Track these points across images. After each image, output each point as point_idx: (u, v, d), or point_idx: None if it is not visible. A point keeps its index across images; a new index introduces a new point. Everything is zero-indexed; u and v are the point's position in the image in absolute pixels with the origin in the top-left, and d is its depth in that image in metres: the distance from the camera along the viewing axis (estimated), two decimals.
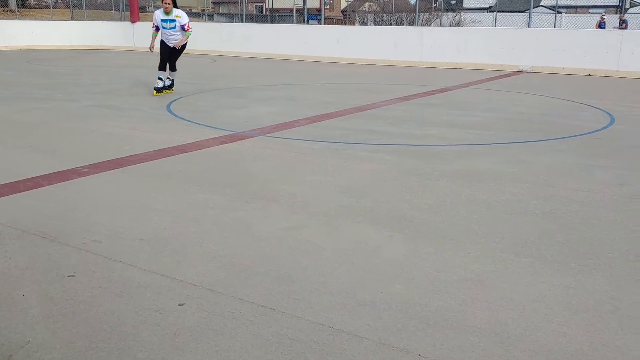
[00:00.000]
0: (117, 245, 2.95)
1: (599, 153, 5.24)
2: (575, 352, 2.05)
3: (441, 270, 2.70)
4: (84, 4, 25.30)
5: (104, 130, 6.04)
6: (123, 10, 23.85)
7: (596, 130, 6.40)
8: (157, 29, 8.61)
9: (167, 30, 8.55)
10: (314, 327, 2.18)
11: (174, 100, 8.28)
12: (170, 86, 9.09)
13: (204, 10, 41.47)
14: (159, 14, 8.52)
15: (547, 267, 2.75)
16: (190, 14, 42.11)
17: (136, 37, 21.49)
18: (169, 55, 8.77)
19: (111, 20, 24.26)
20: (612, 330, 2.19)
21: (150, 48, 8.83)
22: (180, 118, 6.80)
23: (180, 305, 2.34)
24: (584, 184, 4.19)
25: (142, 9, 30.85)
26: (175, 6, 8.54)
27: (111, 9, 26.59)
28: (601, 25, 22.34)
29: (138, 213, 3.45)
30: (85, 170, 4.39)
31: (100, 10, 29.70)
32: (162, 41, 8.68)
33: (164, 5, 8.37)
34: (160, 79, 8.84)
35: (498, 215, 3.49)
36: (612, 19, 29.32)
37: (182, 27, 8.55)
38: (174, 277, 2.58)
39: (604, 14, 25.05)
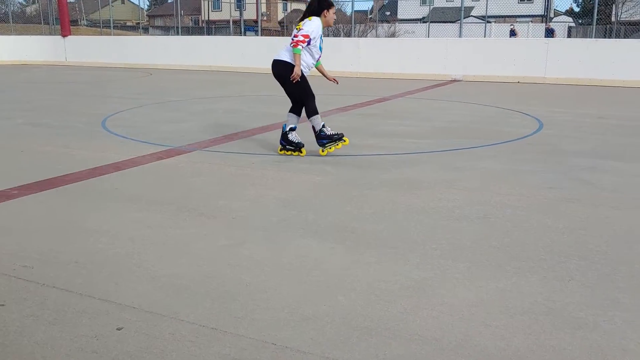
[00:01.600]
0: (50, 270, 2.83)
1: (529, 158, 5.45)
2: (513, 354, 2.11)
3: (382, 280, 2.73)
4: (10, 18, 24.36)
5: (35, 149, 5.82)
6: (53, 24, 23.12)
7: (526, 136, 6.66)
8: (308, 43, 5.37)
9: (319, 52, 5.67)
10: (257, 345, 2.15)
11: (109, 116, 8.07)
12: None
13: (138, 23, 40.69)
14: (320, 26, 5.41)
15: (483, 272, 2.83)
16: (124, 27, 41.38)
17: (68, 51, 20.86)
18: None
19: (41, 34, 23.46)
20: (547, 331, 2.27)
21: (295, 77, 5.45)
22: (116, 134, 6.63)
23: (119, 329, 2.27)
24: (515, 189, 4.34)
25: (74, 22, 30.02)
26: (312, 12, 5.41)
27: (40, 23, 25.73)
28: (512, 34, 23.38)
29: (72, 235, 3.33)
30: (15, 192, 4.21)
31: (29, 25, 28.68)
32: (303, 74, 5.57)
33: (332, 17, 5.51)
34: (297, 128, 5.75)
35: (435, 222, 3.57)
36: (539, 28, 30.66)
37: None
38: (111, 301, 2.50)
39: (512, 25, 26.20)
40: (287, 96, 5.65)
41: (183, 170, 4.92)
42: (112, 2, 24.27)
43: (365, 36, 27.77)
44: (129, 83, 13.95)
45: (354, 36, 18.89)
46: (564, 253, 3.07)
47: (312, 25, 5.29)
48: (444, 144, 6.19)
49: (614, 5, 30.41)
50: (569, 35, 31.38)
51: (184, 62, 18.43)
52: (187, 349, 2.13)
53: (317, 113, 5.49)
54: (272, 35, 35.55)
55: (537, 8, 40.55)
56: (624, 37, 26.62)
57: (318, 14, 5.36)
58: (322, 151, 5.52)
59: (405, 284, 2.68)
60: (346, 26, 28.41)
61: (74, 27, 28.02)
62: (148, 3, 60.39)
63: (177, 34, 22.84)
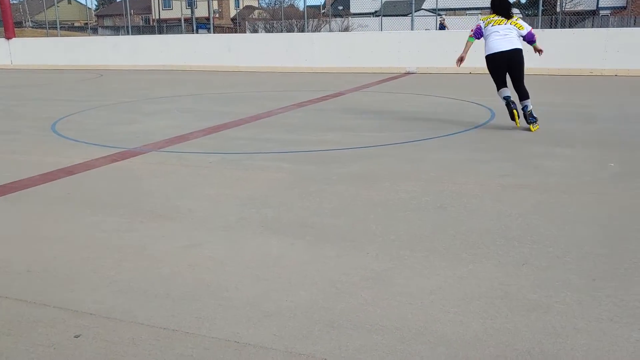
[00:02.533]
0: (2, 279, 2.75)
1: (483, 147, 5.58)
2: (472, 339, 2.16)
3: (343, 273, 2.75)
4: None
5: None
6: None
7: (479, 126, 6.80)
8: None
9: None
10: (220, 344, 2.15)
11: (59, 119, 7.86)
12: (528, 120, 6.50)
13: (87, 23, 39.68)
14: None
15: (441, 260, 2.89)
16: (72, 28, 40.28)
17: (13, 54, 20.19)
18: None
19: None
20: (504, 315, 2.33)
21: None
22: (66, 138, 6.46)
23: (76, 337, 2.22)
24: (470, 178, 4.44)
25: (18, 24, 29.09)
26: (496, 10, 6.75)
27: None
28: (441, 27, 23.86)
29: (24, 243, 3.24)
30: None
31: None
32: None
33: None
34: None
35: (394, 214, 3.62)
36: None
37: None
38: (68, 308, 2.45)
39: (442, 18, 26.71)
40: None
41: (138, 172, 4.84)
42: (57, 3, 23.58)
43: (319, 31, 27.83)
44: (79, 85, 13.60)
45: (308, 31, 18.91)
46: (518, 238, 3.16)
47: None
48: (399, 136, 6.26)
49: None
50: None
51: (135, 62, 18.08)
52: (148, 352, 2.10)
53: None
54: (225, 32, 35.21)
55: (486, 0, 41.29)
56: (569, 27, 27.42)
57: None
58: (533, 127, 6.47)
59: (365, 276, 2.71)
60: (299, 21, 28.40)
61: (19, 29, 27.15)
62: (96, 3, 59.03)
63: (128, 33, 22.39)
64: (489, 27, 6.64)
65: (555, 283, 2.60)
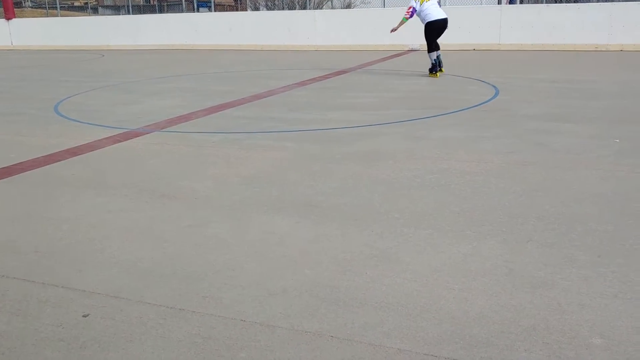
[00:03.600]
0: (9, 260, 2.77)
1: (487, 124, 5.55)
2: (477, 316, 2.17)
3: (347, 251, 2.76)
4: None
5: None
6: None
7: (483, 103, 6.76)
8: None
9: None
10: (226, 323, 2.16)
11: (62, 101, 7.84)
12: (431, 70, 9.35)
13: (87, 3, 39.35)
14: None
15: (445, 237, 2.89)
16: (72, 7, 39.96)
17: (13, 35, 20.08)
18: (426, 37, 9.17)
19: None
20: (508, 292, 2.34)
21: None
22: (70, 119, 6.45)
23: (85, 316, 2.24)
24: (474, 155, 4.43)
25: (17, 4, 28.88)
26: None
27: None
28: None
29: (31, 224, 3.26)
30: None
31: None
32: None
33: None
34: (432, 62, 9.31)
35: (397, 192, 3.62)
36: None
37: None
38: (75, 288, 2.47)
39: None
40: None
41: (142, 153, 4.84)
42: None
43: (321, 8, 27.53)
44: (80, 65, 13.55)
45: (310, 8, 18.72)
46: (522, 215, 3.16)
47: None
48: (403, 114, 6.23)
49: None
50: (521, 2, 31.76)
51: (136, 42, 17.97)
52: (155, 331, 2.12)
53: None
54: (226, 11, 34.90)
55: None
56: (574, 2, 27.10)
57: None
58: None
59: (370, 254, 2.72)
60: None
61: (18, 9, 26.95)
62: None
63: (128, 13, 22.21)
64: (424, 3, 8.89)
65: (560, 260, 2.61)
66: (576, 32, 13.40)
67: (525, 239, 2.85)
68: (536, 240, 2.83)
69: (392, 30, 9.32)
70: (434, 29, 8.87)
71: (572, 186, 3.65)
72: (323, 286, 2.42)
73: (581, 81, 8.49)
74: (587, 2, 14.41)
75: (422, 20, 8.98)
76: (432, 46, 9.00)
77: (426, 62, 11.88)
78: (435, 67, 9.19)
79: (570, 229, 2.95)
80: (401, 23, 9.14)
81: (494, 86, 7.98)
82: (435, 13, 8.86)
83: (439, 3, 9.18)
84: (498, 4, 17.24)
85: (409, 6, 8.94)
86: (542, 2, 15.22)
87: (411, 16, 8.91)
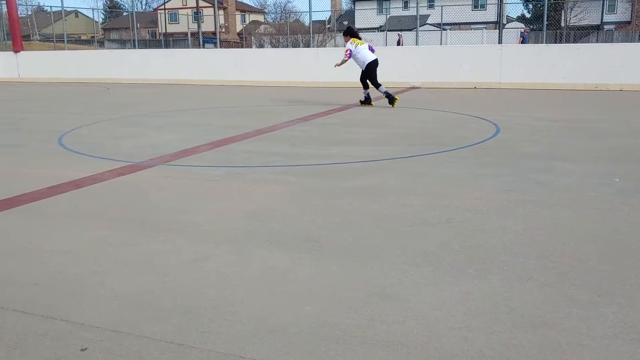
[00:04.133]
0: (9, 292, 2.77)
1: (488, 162, 5.59)
2: (477, 355, 2.16)
3: (348, 288, 2.76)
4: None
5: None
6: (4, 40, 22.57)
7: (484, 140, 6.82)
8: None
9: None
10: (225, 359, 2.15)
11: (66, 133, 7.92)
12: (364, 101, 11.03)
13: (93, 37, 40.05)
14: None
15: (446, 275, 2.89)
16: (79, 41, 40.65)
17: (21, 67, 20.38)
18: (361, 76, 10.83)
19: None
20: (508, 330, 2.33)
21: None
22: (74, 151, 6.51)
23: (83, 350, 2.23)
24: (475, 193, 4.45)
25: (26, 37, 29.38)
26: (353, 36, 10.69)
27: None
28: (397, 44, 24.03)
29: (31, 256, 3.26)
30: None
31: None
32: None
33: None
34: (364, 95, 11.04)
35: (398, 228, 3.63)
36: (492, 35, 31.42)
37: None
38: (74, 321, 2.46)
39: (399, 35, 26.91)
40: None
41: (145, 186, 4.87)
42: (65, 16, 23.82)
43: (324, 46, 27.98)
44: (86, 98, 13.71)
45: (313, 46, 19.02)
46: (523, 254, 3.16)
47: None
48: (404, 150, 6.28)
49: (563, 11, 31.43)
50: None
51: (141, 76, 18.22)
52: None
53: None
54: (232, 47, 35.47)
55: (491, 15, 41.59)
56: (574, 42, 27.51)
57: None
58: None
59: (371, 291, 2.72)
60: (305, 36, 28.59)
61: (27, 42, 27.42)
62: (103, 16, 59.55)
63: (134, 47, 22.58)
64: (359, 47, 10.54)
65: (560, 299, 2.60)
66: (576, 71, 13.59)
67: (525, 277, 2.85)
68: (536, 279, 2.83)
69: (337, 66, 10.86)
70: (373, 68, 10.50)
71: (572, 225, 3.66)
72: (323, 323, 2.42)
73: (581, 120, 8.57)
74: (586, 42, 14.62)
75: (361, 61, 10.55)
76: (376, 83, 10.58)
77: (427, 98, 12.03)
78: (391, 96, 10.52)
79: (570, 268, 2.95)
80: (342, 62, 10.69)
81: (495, 124, 8.05)
82: (369, 55, 10.51)
83: (371, 48, 10.82)
84: (499, 43, 17.51)
85: (346, 49, 10.49)
86: (542, 42, 15.46)
87: (349, 57, 10.51)
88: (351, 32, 10.75)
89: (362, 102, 11.05)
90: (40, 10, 44.53)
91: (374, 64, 10.54)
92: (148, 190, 4.70)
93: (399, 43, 24.52)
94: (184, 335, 2.33)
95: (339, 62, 10.76)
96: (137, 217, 3.96)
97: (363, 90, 10.90)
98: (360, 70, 10.73)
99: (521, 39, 21.65)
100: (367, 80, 10.70)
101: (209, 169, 5.45)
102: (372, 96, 11.02)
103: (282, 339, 2.29)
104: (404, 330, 2.34)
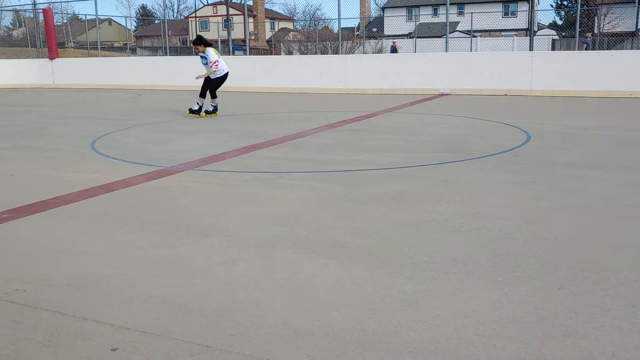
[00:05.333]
0: (42, 292, 2.83)
1: (518, 169, 5.52)
2: None
3: (375, 294, 2.75)
4: None
5: (24, 172, 5.81)
6: (41, 47, 23.15)
7: (514, 148, 6.73)
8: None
9: (203, 65, 10.70)
10: None
11: (98, 138, 8.08)
12: (212, 111, 10.76)
13: (126, 44, 40.80)
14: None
15: (475, 283, 2.86)
16: (112, 48, 41.45)
17: (56, 73, 20.87)
18: (205, 85, 10.61)
19: (28, 57, 23.46)
20: (538, 339, 2.30)
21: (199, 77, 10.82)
22: (105, 156, 6.63)
23: (113, 350, 2.27)
24: (505, 200, 4.39)
25: (61, 44, 30.07)
26: (208, 45, 10.59)
27: (28, 46, 25.73)
28: (393, 50, 23.65)
29: (64, 257, 3.33)
30: (5, 216, 4.20)
31: (16, 48, 28.69)
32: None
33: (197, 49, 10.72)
34: (197, 103, 10.70)
35: (427, 235, 3.60)
36: (523, 42, 31.07)
37: (210, 63, 10.41)
38: (105, 322, 2.51)
39: (394, 42, 26.60)
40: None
41: (175, 190, 4.93)
42: (99, 24, 24.34)
43: (353, 53, 28.00)
44: (118, 104, 13.96)
45: (342, 53, 19.06)
46: (553, 262, 3.11)
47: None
48: (432, 157, 6.24)
49: (596, 18, 30.92)
50: (553, 48, 31.84)
51: (172, 82, 18.48)
52: None
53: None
54: (260, 54, 35.76)
55: (521, 22, 41.16)
56: (607, 49, 27.04)
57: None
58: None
59: (398, 297, 2.71)
60: (333, 43, 28.67)
61: (62, 49, 28.06)
62: (135, 24, 60.61)
63: (165, 54, 22.93)
64: (220, 57, 10.74)
65: (592, 309, 2.55)
66: (609, 78, 13.34)
67: (556, 286, 2.80)
68: (568, 288, 2.78)
69: (199, 77, 10.72)
70: (223, 80, 10.72)
71: (604, 234, 3.59)
72: (350, 329, 2.41)
73: (614, 127, 8.41)
74: (621, 49, 14.36)
75: (220, 70, 10.62)
76: (215, 93, 10.73)
77: (457, 105, 11.92)
78: (216, 109, 10.81)
79: (603, 278, 2.89)
80: (207, 74, 10.54)
81: (526, 131, 7.95)
82: (226, 67, 10.75)
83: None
84: (530, 50, 17.32)
85: (214, 60, 10.45)
86: (574, 49, 15.23)
87: (217, 68, 10.49)
88: (205, 42, 10.69)
89: (193, 112, 10.81)
90: (75, 18, 45.55)
91: (225, 77, 10.74)
92: (178, 195, 4.76)
93: (394, 50, 24.19)
94: (212, 338, 2.35)
95: (202, 75, 10.67)
96: (167, 221, 4.01)
97: (199, 100, 10.72)
98: (206, 80, 10.64)
99: (585, 45, 21.17)
100: (209, 90, 10.65)
101: (237, 174, 5.50)
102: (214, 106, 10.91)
103: (309, 344, 2.29)
104: (432, 337, 2.32)
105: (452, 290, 2.78)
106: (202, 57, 10.54)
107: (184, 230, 3.78)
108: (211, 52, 10.49)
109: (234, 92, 16.82)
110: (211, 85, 10.62)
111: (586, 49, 19.77)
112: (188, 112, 10.80)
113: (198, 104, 10.66)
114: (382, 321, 2.47)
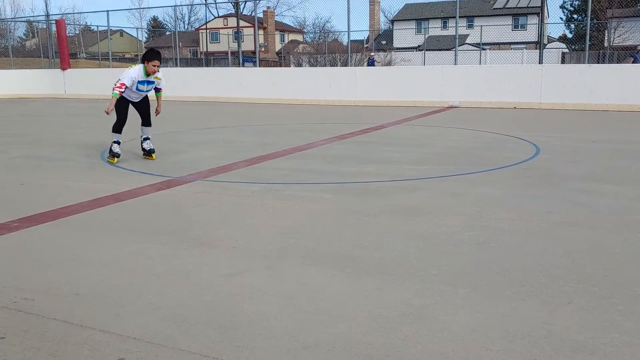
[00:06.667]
0: (50, 302, 2.84)
1: (527, 183, 5.49)
2: None
3: (383, 307, 2.74)
4: (10, 52, 24.66)
5: (35, 182, 5.85)
6: (53, 58, 23.39)
7: (523, 161, 6.71)
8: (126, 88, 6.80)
9: (142, 92, 7.11)
10: None
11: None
12: (150, 152, 7.22)
13: (137, 55, 41.16)
14: (136, 74, 6.82)
15: (483, 297, 2.84)
16: (123, 59, 41.83)
17: (67, 84, 21.06)
18: (140, 112, 7.39)
19: (40, 67, 23.70)
20: (547, 355, 2.27)
21: (109, 111, 6.78)
22: (115, 166, 6.67)
23: None
24: (513, 213, 4.37)
25: (73, 55, 30.36)
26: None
27: (40, 57, 26.02)
28: (370, 63, 23.39)
29: (73, 267, 3.34)
30: (16, 224, 4.23)
31: (28, 58, 28.99)
32: (121, 99, 6.91)
33: (152, 68, 6.81)
34: (118, 142, 7.07)
35: (435, 248, 3.59)
36: (533, 55, 31.03)
37: (158, 89, 7.30)
38: (112, 332, 2.51)
39: (372, 54, 26.39)
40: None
41: (183, 201, 4.95)
42: (110, 35, 24.59)
43: (362, 65, 28.08)
44: (128, 115, 14.04)
45: (351, 65, 19.12)
46: (563, 277, 3.08)
47: (127, 74, 6.89)
48: (441, 170, 6.23)
49: (606, 31, 30.86)
50: (563, 61, 31.78)
51: (182, 93, 18.58)
52: None
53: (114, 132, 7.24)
54: (270, 66, 35.97)
55: (531, 35, 41.15)
56: (617, 62, 26.97)
57: (142, 62, 6.93)
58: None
59: (406, 311, 2.69)
60: (343, 56, 28.79)
61: (73, 60, 28.33)
62: (146, 35, 61.12)
63: (176, 65, 23.09)
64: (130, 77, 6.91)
65: (602, 324, 2.53)
66: (619, 92, 13.28)
67: (565, 301, 2.78)
68: (577, 302, 2.75)
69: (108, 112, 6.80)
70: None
71: (614, 249, 3.56)
72: (357, 342, 2.40)
73: (624, 142, 8.36)
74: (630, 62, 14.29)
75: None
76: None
77: (466, 118, 11.91)
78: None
79: (612, 293, 2.86)
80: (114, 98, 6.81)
81: (535, 145, 7.92)
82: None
83: None
84: (540, 63, 17.30)
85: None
86: (584, 62, 15.19)
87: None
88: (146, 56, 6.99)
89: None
90: (87, 29, 46.02)
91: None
92: (186, 205, 4.78)
93: (372, 63, 23.93)
94: (218, 349, 2.34)
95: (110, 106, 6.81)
96: (175, 231, 4.02)
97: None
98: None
99: (632, 59, 20.81)
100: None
101: (245, 185, 5.51)
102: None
103: (315, 356, 2.28)
104: (439, 351, 2.31)
105: (460, 304, 2.76)
106: (149, 82, 7.02)
107: (191, 241, 3.79)
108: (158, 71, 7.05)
109: (243, 103, 16.89)
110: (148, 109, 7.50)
111: (634, 62, 19.36)
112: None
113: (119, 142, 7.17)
114: (390, 335, 2.46)
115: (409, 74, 16.28)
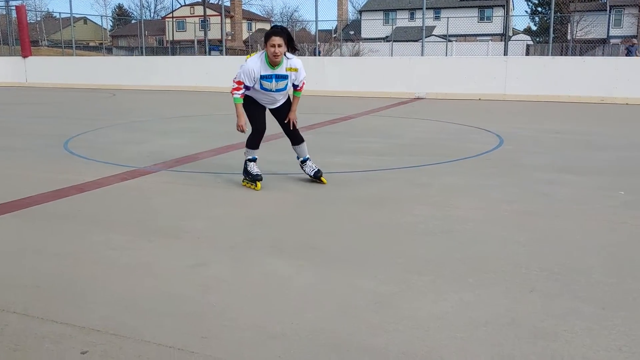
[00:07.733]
0: (9, 295, 2.77)
1: (490, 173, 5.57)
2: None
3: (349, 295, 2.75)
4: None
5: None
6: (13, 45, 22.73)
7: (487, 152, 6.81)
8: (247, 88, 4.97)
9: (269, 91, 5.01)
10: None
11: (71, 137, 7.94)
12: (317, 175, 5.14)
13: (101, 43, 40.30)
14: (257, 67, 4.81)
15: (447, 285, 2.88)
16: (87, 47, 40.88)
17: (29, 72, 20.50)
18: (283, 125, 5.44)
19: (0, 55, 23.00)
20: (510, 342, 2.32)
21: (241, 126, 5.13)
22: (78, 156, 6.53)
23: (83, 353, 2.23)
24: (478, 203, 4.43)
25: (34, 43, 29.57)
26: (291, 50, 4.91)
27: (0, 44, 25.25)
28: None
29: (33, 259, 3.26)
30: None
31: None
32: (251, 102, 5.18)
33: (271, 50, 4.66)
34: (253, 160, 5.17)
35: (401, 237, 3.62)
36: (498, 46, 31.47)
37: (295, 85, 5.11)
38: (75, 324, 2.46)
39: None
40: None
41: (148, 191, 4.87)
42: (74, 23, 23.98)
43: (330, 55, 28.06)
44: (92, 104, 13.76)
45: (319, 55, 19.07)
46: (525, 264, 3.14)
47: (244, 68, 4.88)
48: (407, 160, 6.28)
49: (569, 24, 31.47)
50: (527, 53, 32.31)
51: (148, 83, 18.29)
52: None
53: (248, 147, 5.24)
54: (237, 55, 35.62)
55: (497, 27, 41.70)
56: (580, 55, 27.56)
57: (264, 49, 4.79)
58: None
59: (372, 299, 2.71)
60: (311, 45, 28.69)
61: (35, 47, 27.60)
62: (111, 23, 59.89)
63: (141, 54, 22.69)
64: None
65: (563, 311, 2.58)
66: (582, 84, 13.57)
67: (528, 288, 2.83)
68: (539, 290, 2.81)
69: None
70: None
71: (575, 237, 3.64)
72: (323, 331, 2.41)
73: (586, 133, 8.55)
74: (592, 55, 14.61)
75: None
76: None
77: (432, 109, 12.00)
78: None
79: (573, 280, 2.93)
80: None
81: (499, 135, 8.04)
82: None
83: None
84: (504, 55, 17.55)
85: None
86: (548, 54, 15.46)
87: None
88: None
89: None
90: (49, 16, 44.85)
91: None
92: (150, 196, 4.71)
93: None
94: (184, 340, 2.32)
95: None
96: (139, 222, 3.96)
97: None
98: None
99: (626, 51, 20.68)
100: None
101: (211, 175, 5.46)
102: None
103: (281, 346, 2.28)
104: (404, 339, 2.33)
105: (425, 292, 2.79)
106: (279, 76, 4.87)
107: (156, 232, 3.73)
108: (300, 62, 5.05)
109: (210, 92, 16.71)
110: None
111: (627, 55, 19.30)
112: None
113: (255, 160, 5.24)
114: (356, 323, 2.47)
115: (377, 64, 16.32)
